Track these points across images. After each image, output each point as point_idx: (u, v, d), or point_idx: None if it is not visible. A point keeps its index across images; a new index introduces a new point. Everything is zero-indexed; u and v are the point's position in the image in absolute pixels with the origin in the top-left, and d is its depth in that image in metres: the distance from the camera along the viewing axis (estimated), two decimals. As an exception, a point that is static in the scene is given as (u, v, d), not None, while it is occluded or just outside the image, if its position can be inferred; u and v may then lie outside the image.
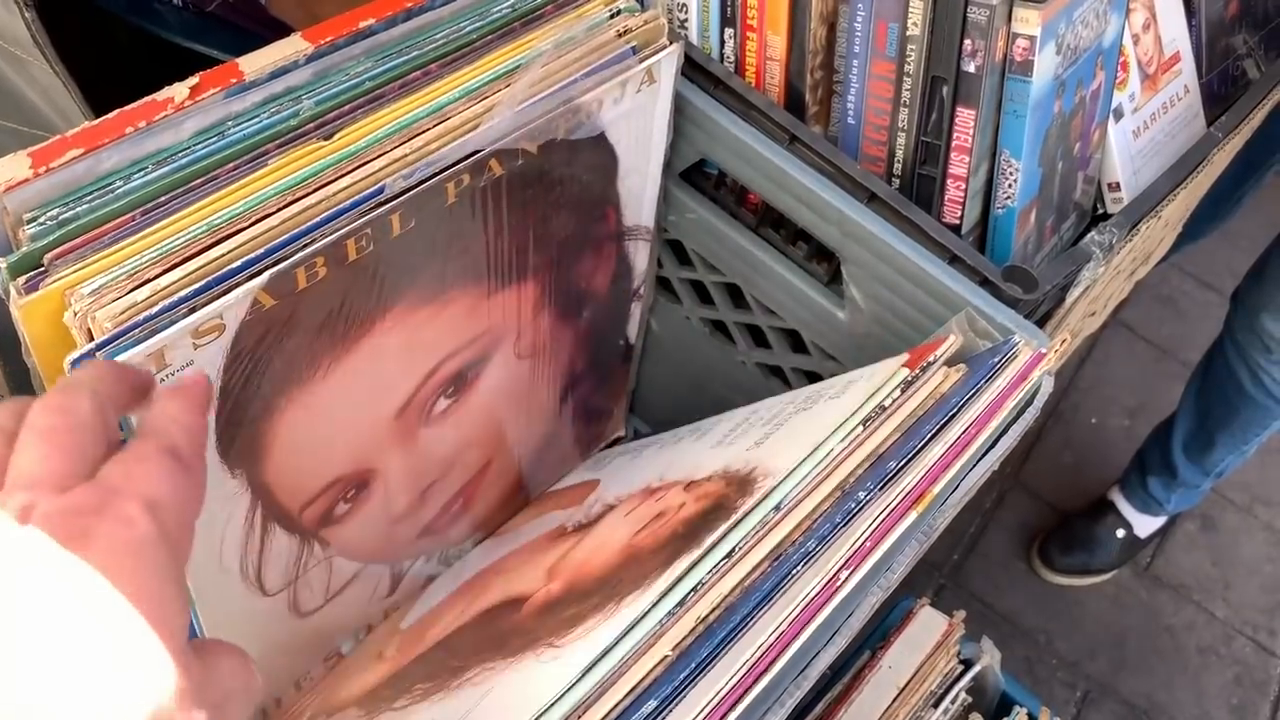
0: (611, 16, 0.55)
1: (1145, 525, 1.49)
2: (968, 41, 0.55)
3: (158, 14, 0.70)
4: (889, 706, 0.67)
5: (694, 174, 0.68)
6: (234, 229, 0.43)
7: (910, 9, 0.55)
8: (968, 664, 0.73)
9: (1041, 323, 0.64)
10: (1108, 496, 1.52)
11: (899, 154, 0.60)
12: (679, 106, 0.63)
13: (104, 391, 0.32)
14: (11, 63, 0.68)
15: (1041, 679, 1.43)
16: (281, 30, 0.71)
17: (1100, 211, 0.74)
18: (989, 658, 0.74)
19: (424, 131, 0.48)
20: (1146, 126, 0.74)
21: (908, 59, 0.57)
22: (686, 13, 0.63)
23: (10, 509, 0.28)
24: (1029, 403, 0.52)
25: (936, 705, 0.69)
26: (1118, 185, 0.72)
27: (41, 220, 0.42)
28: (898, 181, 0.61)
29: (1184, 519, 1.61)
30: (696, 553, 0.42)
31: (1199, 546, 1.59)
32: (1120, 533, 1.49)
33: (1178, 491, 1.42)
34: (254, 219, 0.43)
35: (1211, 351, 1.30)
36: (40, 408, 0.31)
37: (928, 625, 0.73)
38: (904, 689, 0.68)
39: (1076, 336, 0.83)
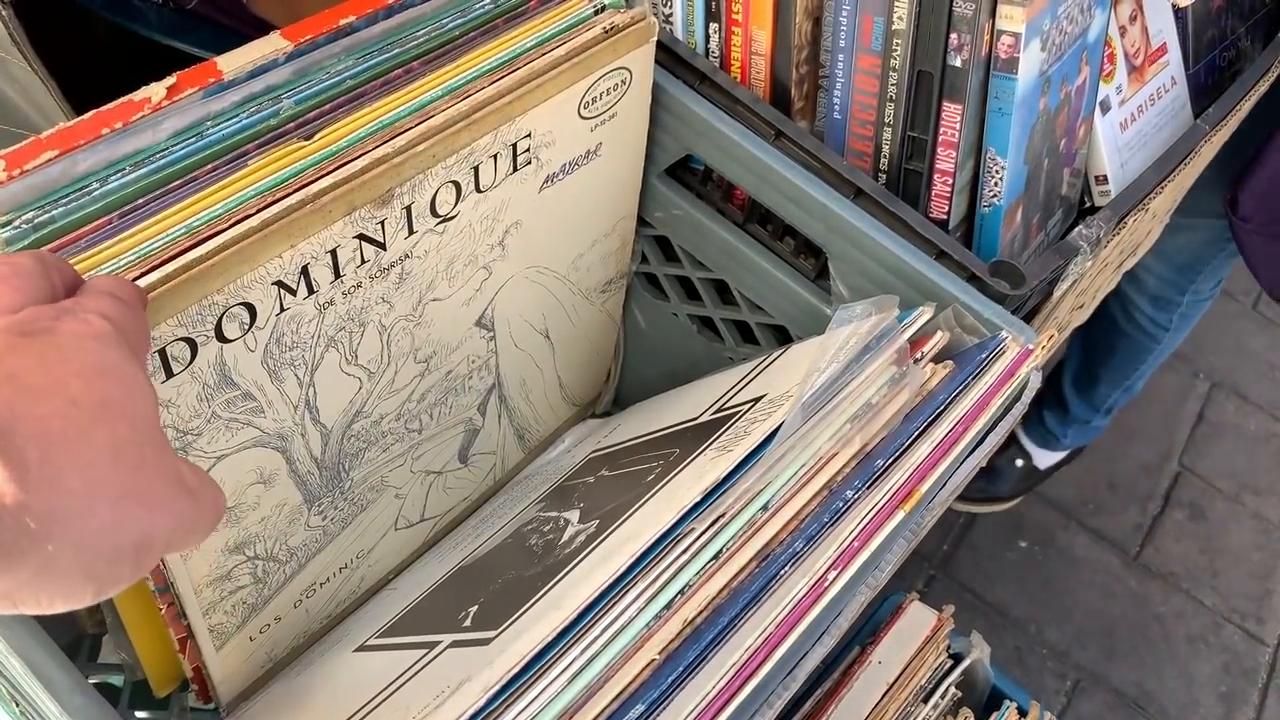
0: (596, 12, 0.54)
1: (1044, 458, 1.55)
2: (954, 35, 0.55)
3: (137, 11, 0.69)
4: (879, 702, 0.67)
5: (680, 170, 0.67)
6: (213, 231, 0.42)
7: (895, 3, 0.55)
8: (957, 658, 0.73)
9: (1029, 317, 0.64)
10: None
11: (885, 149, 0.60)
12: (663, 102, 0.62)
13: (49, 260, 0.34)
14: (-11, 61, 0.67)
15: (1032, 669, 1.43)
16: (263, 28, 0.70)
17: (1087, 205, 0.74)
18: (979, 652, 0.74)
19: (406, 130, 0.47)
20: (1134, 118, 0.74)
21: (893, 53, 0.57)
22: (671, 7, 0.63)
23: None
24: (1017, 398, 0.52)
25: (926, 700, 0.69)
26: (1105, 178, 0.72)
27: (16, 224, 0.41)
28: (884, 177, 0.61)
29: (1172, 508, 1.62)
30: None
31: (1187, 535, 1.60)
32: (1019, 462, 1.54)
33: (1072, 426, 1.48)
34: (233, 220, 0.43)
35: None
36: None
37: (917, 620, 0.73)
38: (894, 684, 0.68)
39: (1064, 330, 0.83)
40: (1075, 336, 1.42)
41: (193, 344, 0.43)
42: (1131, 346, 1.32)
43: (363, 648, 0.56)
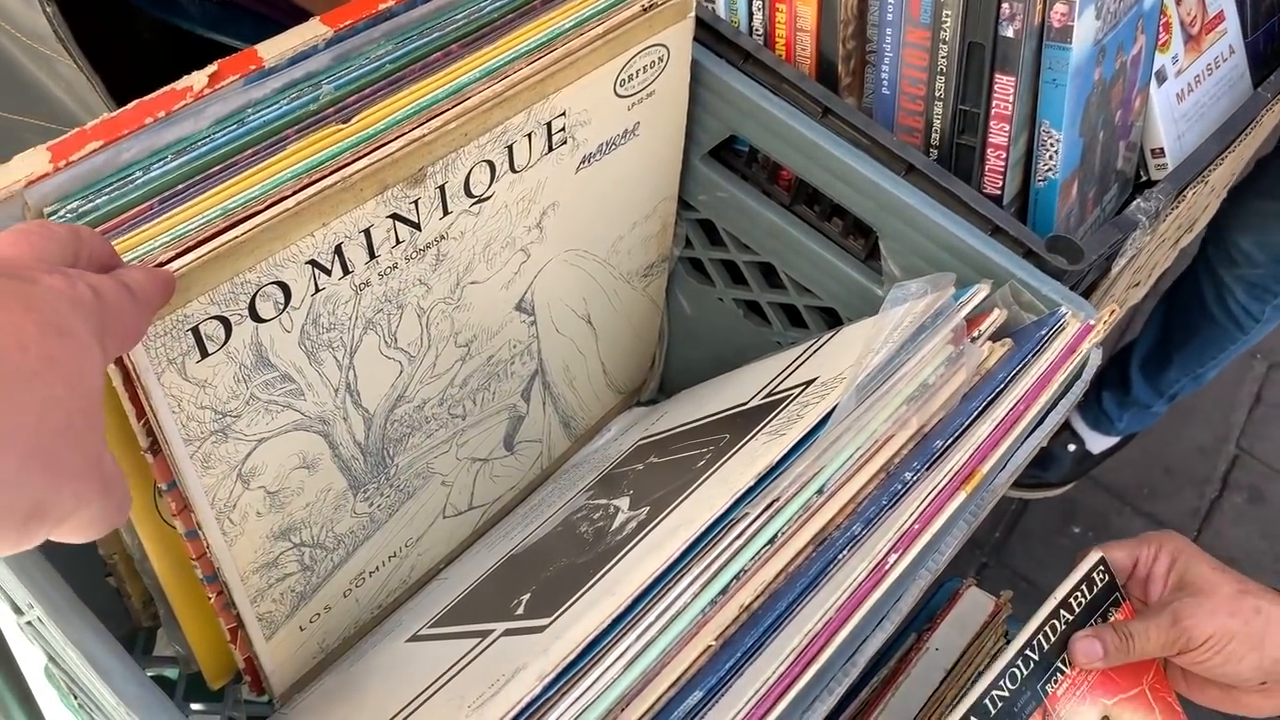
0: (635, -10, 0.53)
1: (1097, 442, 1.50)
2: (1005, 5, 0.53)
3: (180, 6, 0.69)
4: (937, 688, 0.65)
5: (724, 151, 0.66)
6: (248, 212, 0.42)
7: (945, -28, 0.54)
8: (1015, 645, 0.71)
9: (1086, 294, 0.62)
10: None
11: (936, 124, 0.59)
12: (706, 82, 0.61)
13: (84, 233, 0.34)
14: (36, 59, 0.67)
15: (1087, 657, 1.41)
16: (303, 16, 0.70)
17: (1144, 179, 0.72)
18: (1037, 638, 0.72)
19: (442, 113, 0.47)
20: (1191, 89, 0.71)
21: (943, 25, 0.55)
22: (713, -15, 0.62)
23: None
24: (1078, 376, 0.51)
25: (984, 687, 0.67)
26: (1161, 151, 0.69)
27: (61, 213, 0.41)
28: (935, 153, 0.59)
29: (1230, 491, 1.58)
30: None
31: (1247, 519, 1.56)
32: (1072, 447, 1.50)
33: (1130, 410, 1.43)
34: (269, 202, 0.42)
35: (1183, 272, 1.30)
36: (26, 222, 0.33)
37: (974, 606, 0.71)
38: (951, 670, 0.67)
39: (1122, 307, 0.81)
40: (1153, 316, 1.37)
41: (226, 323, 0.43)
42: (1216, 333, 1.27)
43: (415, 637, 0.55)
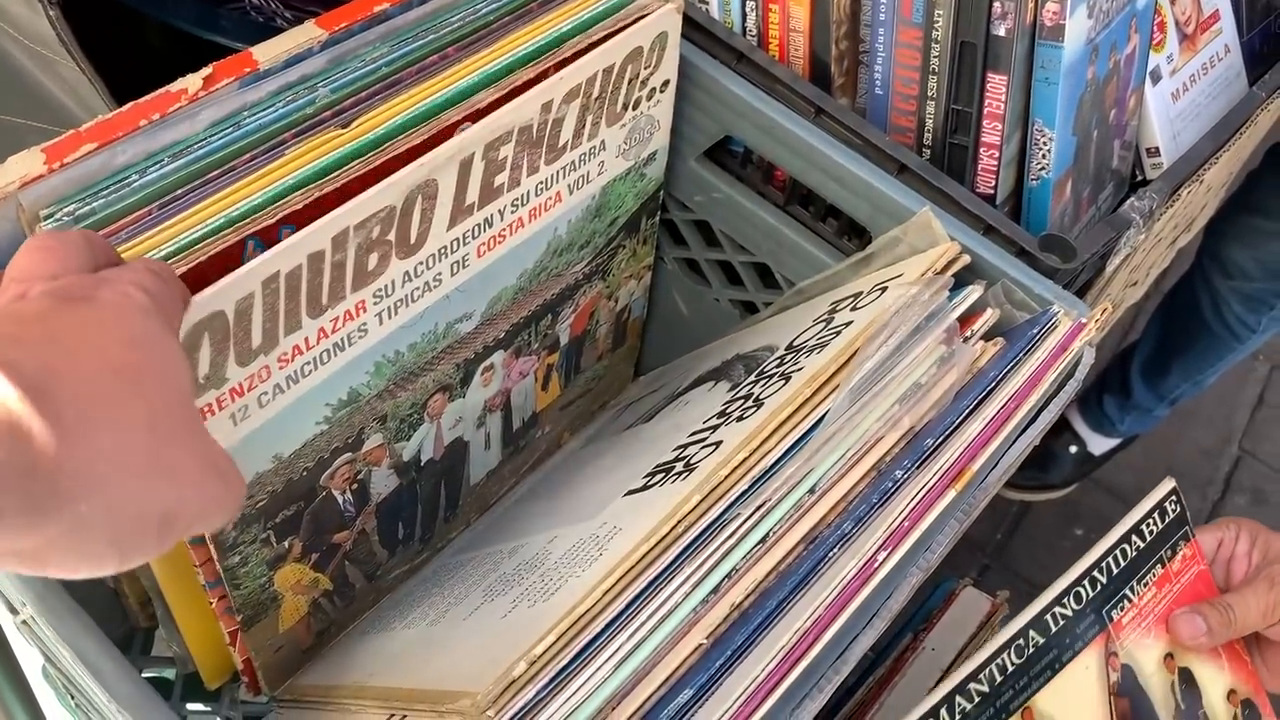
0: (630, -6, 0.54)
1: (1099, 444, 1.50)
2: (997, 4, 0.53)
3: (222, 21, 0.70)
4: (933, 689, 0.65)
5: (719, 152, 0.66)
6: (258, 225, 0.42)
7: (937, -27, 0.54)
8: (1013, 645, 0.71)
9: (1081, 294, 0.62)
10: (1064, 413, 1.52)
11: (929, 124, 0.59)
12: (700, 83, 0.61)
13: (94, 239, 0.35)
14: (38, 62, 0.68)
15: (1089, 658, 1.40)
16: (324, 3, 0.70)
17: (1139, 178, 0.72)
18: (1035, 638, 0.72)
19: (449, 121, 0.47)
20: (1186, 88, 0.71)
21: (935, 24, 0.55)
22: (707, -13, 0.62)
23: (7, 295, 0.30)
24: (1070, 375, 0.51)
25: (982, 687, 0.67)
26: (1157, 150, 0.70)
27: (58, 216, 0.42)
28: (928, 152, 0.60)
29: (1233, 493, 1.57)
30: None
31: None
32: (1073, 449, 1.50)
33: (1131, 414, 1.43)
34: (278, 215, 0.43)
35: (1180, 279, 1.30)
36: (36, 234, 0.35)
37: (971, 606, 0.71)
38: (948, 671, 0.67)
39: (1119, 307, 0.81)
40: (1152, 322, 1.37)
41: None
42: (1214, 342, 1.27)
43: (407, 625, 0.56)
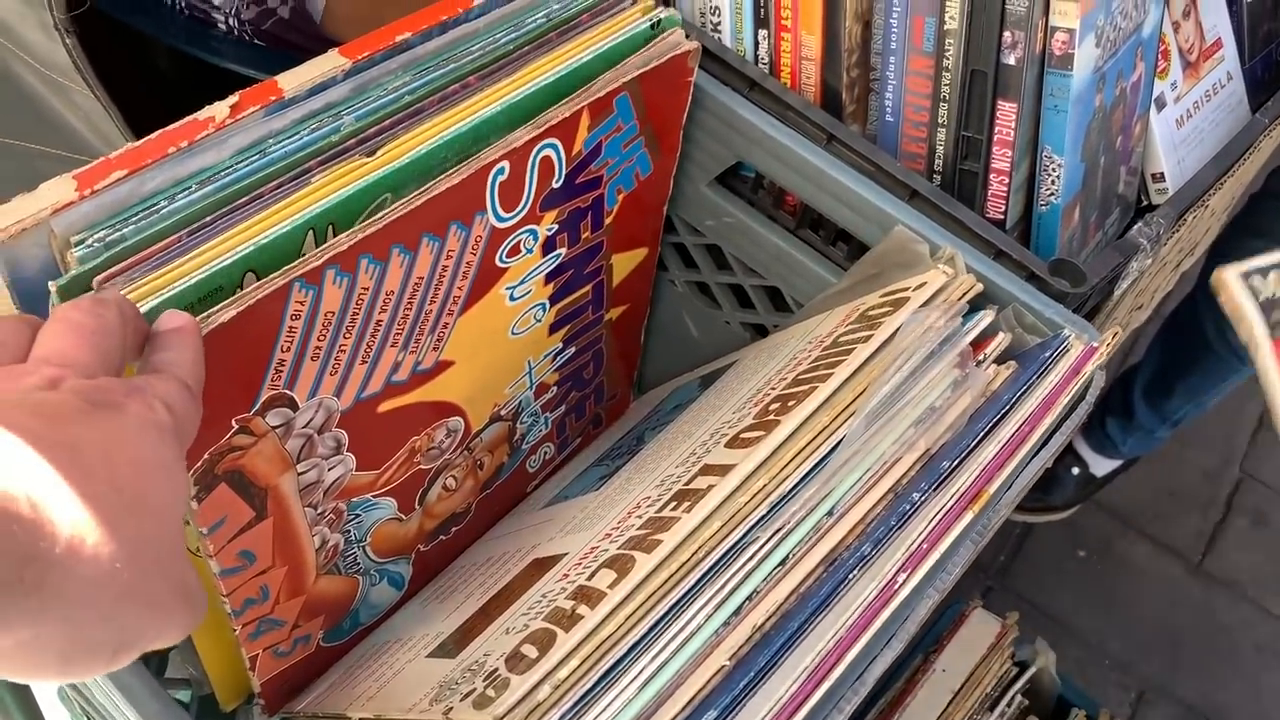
0: (653, 27, 0.55)
1: (1101, 465, 1.51)
2: (1007, 34, 0.54)
3: (213, 43, 0.71)
4: (944, 710, 0.66)
5: (730, 177, 0.67)
6: (305, 268, 0.42)
7: (947, 3, 0.55)
8: (1023, 666, 0.72)
9: (1089, 318, 0.63)
10: None
11: (939, 150, 0.60)
12: (713, 109, 0.62)
13: (128, 315, 0.34)
14: (54, 89, 0.69)
15: (1095, 681, 1.41)
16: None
17: (1145, 203, 0.73)
18: (1044, 659, 0.73)
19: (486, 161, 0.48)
20: (1190, 115, 0.73)
21: (946, 53, 0.56)
22: (719, 15, 0.63)
23: (40, 376, 0.30)
24: (1082, 397, 0.51)
25: (993, 708, 0.68)
26: (1161, 176, 0.71)
27: (89, 242, 0.42)
28: (939, 178, 0.61)
29: (1235, 514, 1.58)
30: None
31: (1252, 542, 1.56)
32: (1076, 471, 1.50)
33: (1134, 435, 1.44)
34: (324, 257, 0.43)
35: (1182, 301, 1.31)
36: (73, 305, 0.33)
37: (981, 627, 0.72)
38: (959, 692, 0.67)
39: (1125, 330, 0.82)
40: (1154, 344, 1.38)
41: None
42: (1218, 366, 1.28)
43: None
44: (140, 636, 0.29)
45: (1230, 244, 1.17)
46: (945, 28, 0.55)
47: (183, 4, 0.72)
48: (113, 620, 0.28)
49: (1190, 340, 1.30)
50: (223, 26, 0.72)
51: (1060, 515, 1.53)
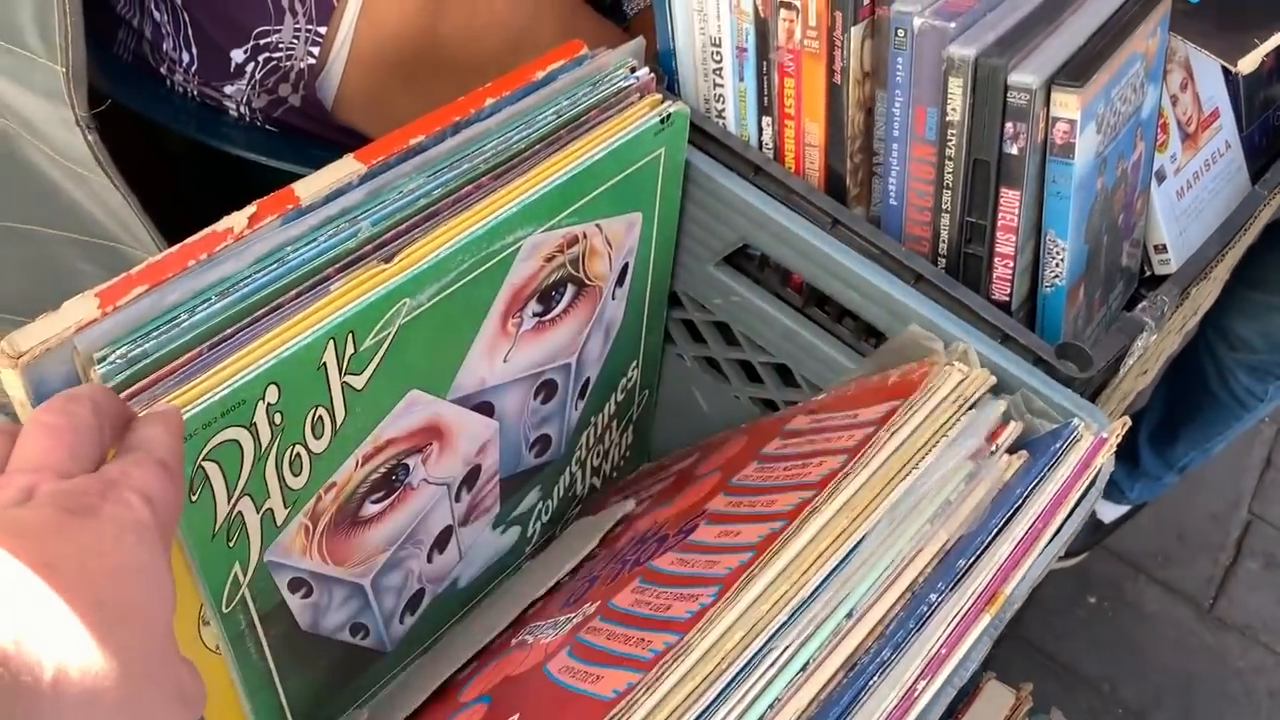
0: (662, 121, 0.56)
1: (1108, 511, 1.50)
2: (1009, 125, 0.55)
3: (223, 129, 0.72)
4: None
5: (736, 256, 0.68)
6: None
7: (949, 94, 0.56)
8: (1038, 737, 0.72)
9: (1095, 394, 0.64)
10: None
11: (943, 234, 0.60)
12: (719, 194, 0.63)
13: (103, 406, 0.34)
14: (71, 178, 0.70)
15: (1107, 730, 1.40)
16: (349, 134, 0.73)
17: (1147, 274, 0.73)
18: (1060, 730, 0.72)
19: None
20: (1190, 185, 0.73)
21: (949, 143, 0.57)
22: (724, 103, 0.64)
23: (13, 488, 0.30)
24: (1091, 485, 0.52)
25: (1009, 783, 0.67)
26: (1164, 247, 0.71)
27: (112, 359, 0.43)
28: (943, 261, 0.61)
29: (1245, 558, 1.58)
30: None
31: (1263, 585, 1.56)
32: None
33: (1140, 481, 1.44)
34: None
35: (1183, 349, 1.32)
36: (45, 407, 0.33)
37: (995, 699, 0.71)
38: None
39: (1129, 396, 0.83)
40: (1158, 392, 1.37)
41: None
42: (1220, 412, 1.28)
43: None
44: None
45: (1230, 296, 1.18)
46: (948, 118, 0.56)
47: (194, 93, 0.73)
48: None
49: (1193, 388, 1.30)
50: (234, 114, 0.73)
51: (1069, 562, 1.52)
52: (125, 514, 0.31)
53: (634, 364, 0.72)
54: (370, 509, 0.54)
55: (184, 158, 0.85)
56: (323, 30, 0.68)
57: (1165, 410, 1.37)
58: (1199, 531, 1.61)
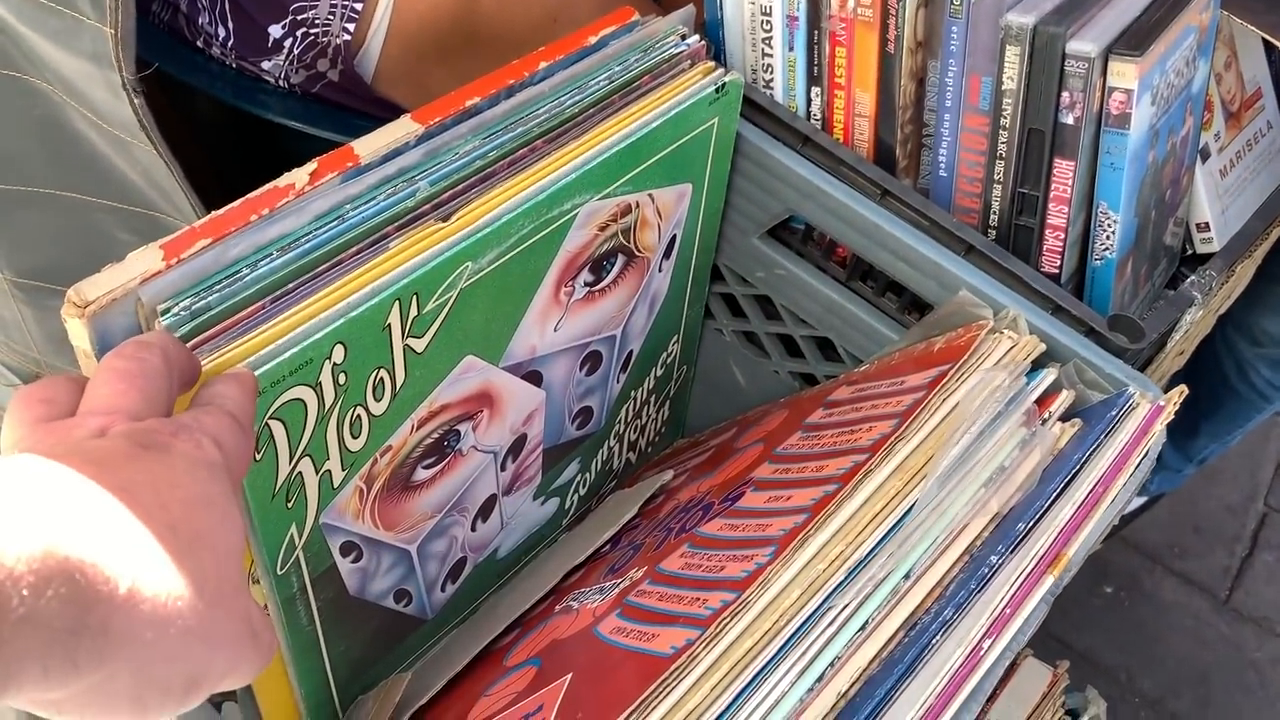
0: (717, 91, 0.55)
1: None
2: (1065, 94, 0.55)
3: (263, 99, 0.71)
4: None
5: (779, 229, 0.68)
6: None
7: (1006, 63, 0.56)
8: (1073, 715, 0.72)
9: (1142, 369, 0.64)
10: None
11: (994, 205, 0.60)
12: (765, 164, 0.63)
13: (173, 355, 0.35)
14: (113, 144, 0.69)
15: (1125, 719, 1.40)
16: (387, 107, 0.72)
17: (1189, 252, 0.73)
18: (1096, 708, 0.72)
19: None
20: (1232, 165, 0.73)
21: (1003, 112, 0.57)
22: (771, 74, 0.64)
23: (88, 427, 0.30)
24: (1146, 453, 0.52)
25: (1046, 759, 0.67)
26: (1207, 225, 0.71)
27: (175, 311, 0.43)
28: (993, 232, 0.61)
29: (1261, 549, 1.58)
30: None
31: (1279, 578, 1.56)
32: None
33: (1159, 473, 1.43)
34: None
35: (1203, 342, 1.31)
36: (116, 352, 0.34)
37: (1032, 677, 0.71)
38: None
39: (1165, 377, 0.83)
40: (1175, 385, 1.38)
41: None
42: (1240, 405, 1.28)
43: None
44: (208, 674, 0.29)
45: (1253, 291, 1.17)
46: (1003, 87, 0.56)
47: (233, 64, 0.73)
48: (180, 659, 0.28)
49: (1212, 380, 1.30)
50: (272, 88, 0.73)
51: None
52: (196, 452, 0.31)
53: (675, 338, 0.72)
54: (421, 474, 0.54)
55: (214, 128, 0.85)
56: (359, 6, 0.68)
57: (1185, 404, 1.36)
58: (1215, 524, 1.61)
